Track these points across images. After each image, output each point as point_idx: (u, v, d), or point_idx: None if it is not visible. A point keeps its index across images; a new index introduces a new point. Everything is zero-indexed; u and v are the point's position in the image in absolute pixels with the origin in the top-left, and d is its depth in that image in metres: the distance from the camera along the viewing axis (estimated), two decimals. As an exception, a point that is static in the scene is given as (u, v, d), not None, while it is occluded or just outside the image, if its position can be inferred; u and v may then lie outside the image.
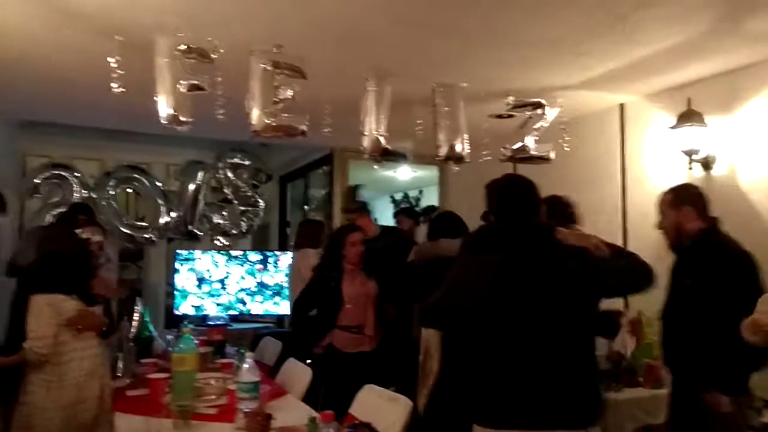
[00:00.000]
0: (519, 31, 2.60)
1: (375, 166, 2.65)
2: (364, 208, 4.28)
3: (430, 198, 6.51)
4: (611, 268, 1.91)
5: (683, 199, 2.47)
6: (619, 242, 3.64)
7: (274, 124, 2.16)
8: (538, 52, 2.84)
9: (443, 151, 2.66)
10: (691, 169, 3.20)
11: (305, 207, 6.10)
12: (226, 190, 5.45)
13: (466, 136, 2.70)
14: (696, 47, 2.74)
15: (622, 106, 3.69)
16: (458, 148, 2.67)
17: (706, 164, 3.17)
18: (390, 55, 2.80)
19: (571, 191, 4.04)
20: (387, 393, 2.48)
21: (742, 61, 2.93)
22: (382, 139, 2.49)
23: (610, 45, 2.73)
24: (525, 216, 1.97)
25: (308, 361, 3.12)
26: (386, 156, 2.56)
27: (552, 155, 3.01)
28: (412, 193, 7.66)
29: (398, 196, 7.95)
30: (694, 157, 3.16)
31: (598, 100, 3.61)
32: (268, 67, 2.15)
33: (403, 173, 6.67)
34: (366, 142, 2.51)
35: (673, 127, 3.15)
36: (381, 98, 2.47)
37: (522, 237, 1.94)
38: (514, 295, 1.86)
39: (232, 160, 5.42)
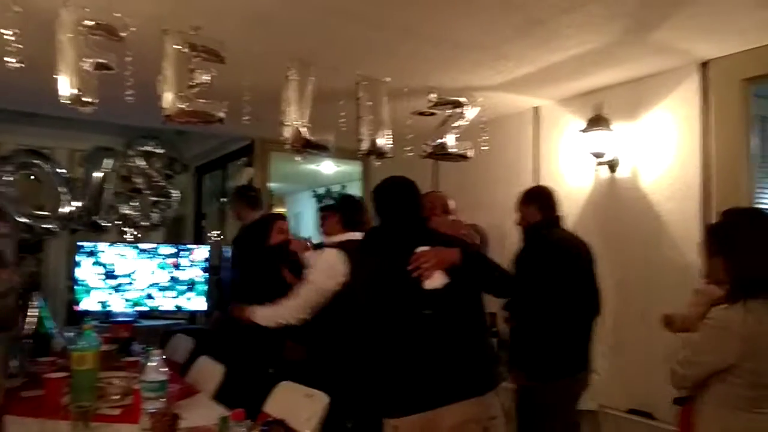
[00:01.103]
0: (441, 30, 2.63)
1: (297, 158, 2.59)
2: (238, 196, 3.81)
3: (353, 193, 6.50)
4: (495, 267, 2.13)
5: (531, 198, 2.85)
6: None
7: (188, 109, 2.06)
8: (460, 52, 2.89)
9: (365, 145, 2.65)
10: (597, 171, 3.39)
11: (222, 199, 5.90)
12: (136, 180, 5.17)
13: (388, 131, 2.71)
14: (605, 56, 2.89)
15: (536, 109, 3.84)
16: (380, 142, 2.67)
17: (612, 167, 3.36)
18: (313, 45, 2.75)
19: (488, 189, 4.20)
20: (302, 389, 2.44)
21: (647, 71, 3.13)
22: (304, 130, 2.44)
23: (527, 50, 2.83)
24: (410, 214, 2.15)
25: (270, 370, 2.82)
26: (308, 148, 2.51)
27: (470, 153, 3.08)
28: (336, 188, 7.62)
29: (321, 191, 7.89)
30: (600, 159, 3.34)
31: (515, 102, 3.74)
32: (183, 49, 2.04)
33: (327, 167, 6.61)
34: (287, 133, 2.45)
35: (582, 131, 3.32)
36: (303, 88, 2.43)
37: (409, 235, 2.11)
38: (409, 290, 2.01)
39: (144, 148, 5.15)
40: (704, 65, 2.96)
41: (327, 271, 2.65)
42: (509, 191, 3.99)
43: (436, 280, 1.96)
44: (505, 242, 3.99)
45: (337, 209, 3.02)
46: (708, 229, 1.98)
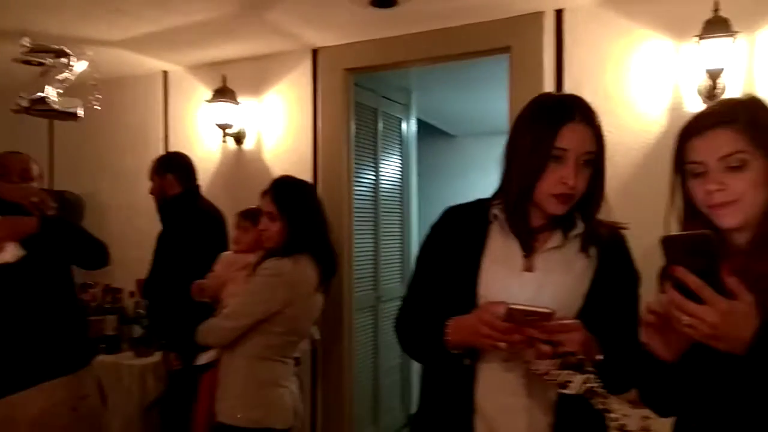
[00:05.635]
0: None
1: None
2: None
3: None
4: (83, 236, 2.01)
5: (167, 167, 2.87)
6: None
7: None
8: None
9: None
10: (225, 142, 3.47)
11: None
12: None
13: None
14: (226, 28, 2.94)
15: (165, 74, 3.70)
16: (-54, 87, 2.15)
17: (238, 138, 3.48)
18: None
19: (114, 155, 3.89)
20: None
21: (267, 50, 3.31)
22: None
23: (144, 7, 2.68)
24: None
25: None
26: None
27: (80, 112, 2.76)
28: None
29: None
30: (228, 131, 3.42)
31: (142, 63, 3.52)
32: None
33: None
34: None
35: (209, 101, 3.33)
36: None
37: None
38: None
39: None
40: (315, 52, 3.29)
41: None
42: (138, 158, 3.77)
43: (7, 254, 1.71)
44: (133, 212, 3.78)
45: None
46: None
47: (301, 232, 2.15)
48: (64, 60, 2.62)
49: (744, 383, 0.97)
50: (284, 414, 2.13)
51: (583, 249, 1.32)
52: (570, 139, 1.22)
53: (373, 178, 3.73)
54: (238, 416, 2.04)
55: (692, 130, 1.11)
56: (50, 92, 2.59)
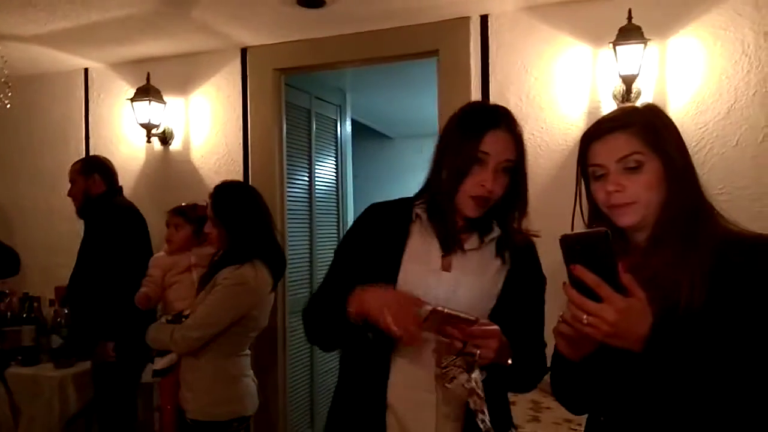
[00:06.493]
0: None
1: None
2: None
3: None
4: None
5: (93, 167, 2.86)
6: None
7: None
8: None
9: None
10: (150, 142, 3.35)
11: None
12: None
13: None
14: (149, 25, 2.84)
15: (86, 71, 3.54)
16: None
17: (164, 139, 3.37)
18: None
19: (32, 155, 3.69)
20: None
21: (194, 48, 3.21)
22: None
23: (59, 1, 2.55)
24: None
25: None
26: None
27: (-11, 111, 2.61)
28: None
29: None
30: (153, 131, 3.30)
31: (60, 59, 3.35)
32: None
33: None
34: None
35: (131, 100, 3.21)
36: None
37: None
38: None
39: None
40: (244, 51, 3.23)
41: None
42: (57, 159, 3.59)
43: None
44: (53, 216, 3.61)
45: None
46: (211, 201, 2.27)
47: (244, 238, 2.20)
48: (-31, 55, 2.47)
49: (642, 378, 1.01)
50: (253, 400, 2.34)
51: (498, 253, 1.36)
52: (492, 144, 1.26)
53: (307, 179, 3.70)
54: (215, 412, 2.19)
55: (593, 134, 1.16)
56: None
